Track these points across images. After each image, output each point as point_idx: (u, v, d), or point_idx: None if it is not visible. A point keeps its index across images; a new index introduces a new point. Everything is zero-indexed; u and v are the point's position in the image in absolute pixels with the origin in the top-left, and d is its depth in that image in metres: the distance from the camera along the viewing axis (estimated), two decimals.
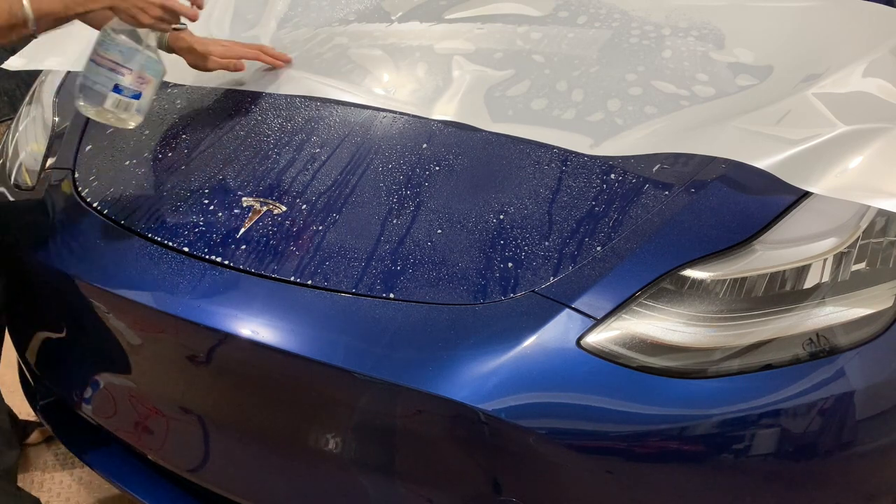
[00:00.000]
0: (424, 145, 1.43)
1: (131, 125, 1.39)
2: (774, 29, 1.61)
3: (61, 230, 1.46)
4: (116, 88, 1.32)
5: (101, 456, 1.61)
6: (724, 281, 1.13)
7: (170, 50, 1.63)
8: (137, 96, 1.34)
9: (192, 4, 1.34)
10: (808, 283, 1.14)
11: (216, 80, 1.70)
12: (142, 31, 1.37)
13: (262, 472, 1.30)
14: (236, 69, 1.66)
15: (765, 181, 1.23)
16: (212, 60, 1.63)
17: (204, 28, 1.85)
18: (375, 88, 1.60)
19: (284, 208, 1.35)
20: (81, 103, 1.35)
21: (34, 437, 2.08)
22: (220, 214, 1.36)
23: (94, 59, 1.32)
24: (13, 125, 1.83)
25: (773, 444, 1.10)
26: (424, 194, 1.33)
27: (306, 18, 1.87)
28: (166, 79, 1.74)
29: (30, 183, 1.60)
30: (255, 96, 1.64)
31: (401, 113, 1.53)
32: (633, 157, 1.33)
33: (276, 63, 1.70)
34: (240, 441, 1.32)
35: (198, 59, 1.64)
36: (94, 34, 1.40)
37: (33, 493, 1.83)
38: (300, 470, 1.27)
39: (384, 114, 1.53)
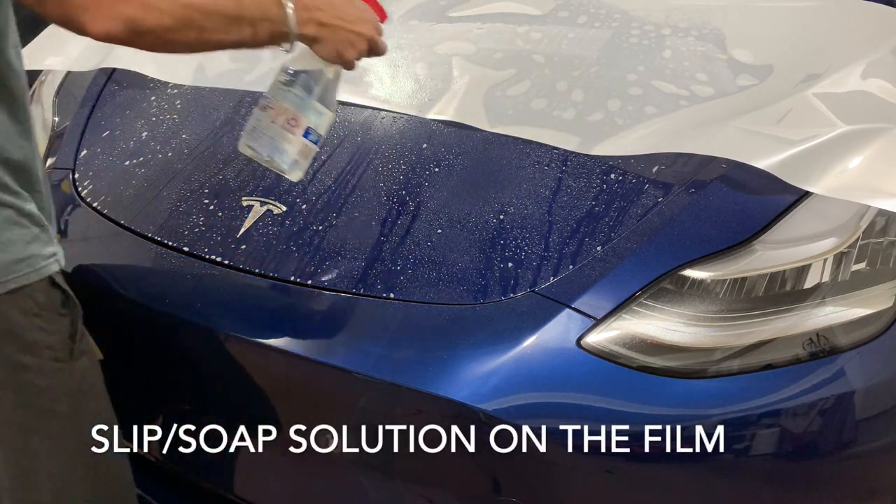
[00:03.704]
0: (424, 145, 1.43)
1: (298, 177, 1.15)
2: (774, 29, 1.61)
3: (61, 230, 1.46)
4: (307, 133, 1.10)
5: None
6: (724, 281, 1.13)
7: None
8: (317, 141, 1.12)
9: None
10: (808, 283, 1.14)
11: (216, 80, 1.69)
12: (324, 72, 1.11)
13: (261, 471, 1.30)
14: None
15: (765, 181, 1.23)
16: None
17: None
18: (375, 88, 1.60)
19: (284, 208, 1.35)
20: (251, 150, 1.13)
21: None
22: (220, 214, 1.36)
23: (264, 109, 1.11)
24: None
25: (773, 444, 1.10)
26: (424, 194, 1.33)
27: None
28: (166, 79, 1.74)
29: None
30: (256, 96, 1.64)
31: (400, 113, 1.53)
32: (633, 157, 1.33)
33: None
34: (238, 440, 1.32)
35: None
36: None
37: None
38: (299, 470, 1.27)
39: (384, 114, 1.53)
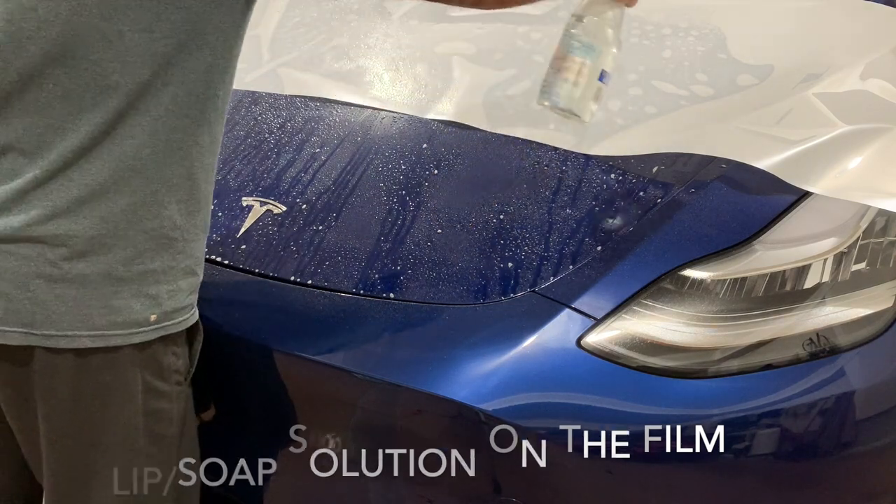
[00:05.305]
0: (424, 145, 1.43)
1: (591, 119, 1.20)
2: (774, 29, 1.61)
3: None
4: (601, 76, 1.15)
5: None
6: (724, 281, 1.13)
7: None
8: (608, 81, 1.18)
9: None
10: (808, 283, 1.14)
11: None
12: (609, 13, 1.16)
13: (259, 470, 1.30)
14: None
15: (765, 181, 1.23)
16: None
17: None
18: (375, 88, 1.60)
19: (284, 208, 1.35)
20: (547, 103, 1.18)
21: None
22: (220, 214, 1.36)
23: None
24: None
25: (773, 444, 1.10)
26: (424, 194, 1.33)
27: (307, 18, 1.87)
28: None
29: None
30: (256, 96, 1.64)
31: (400, 113, 1.53)
32: (633, 157, 1.33)
33: None
34: (238, 441, 1.32)
35: None
36: None
37: None
38: (299, 470, 1.27)
39: (384, 114, 1.53)
